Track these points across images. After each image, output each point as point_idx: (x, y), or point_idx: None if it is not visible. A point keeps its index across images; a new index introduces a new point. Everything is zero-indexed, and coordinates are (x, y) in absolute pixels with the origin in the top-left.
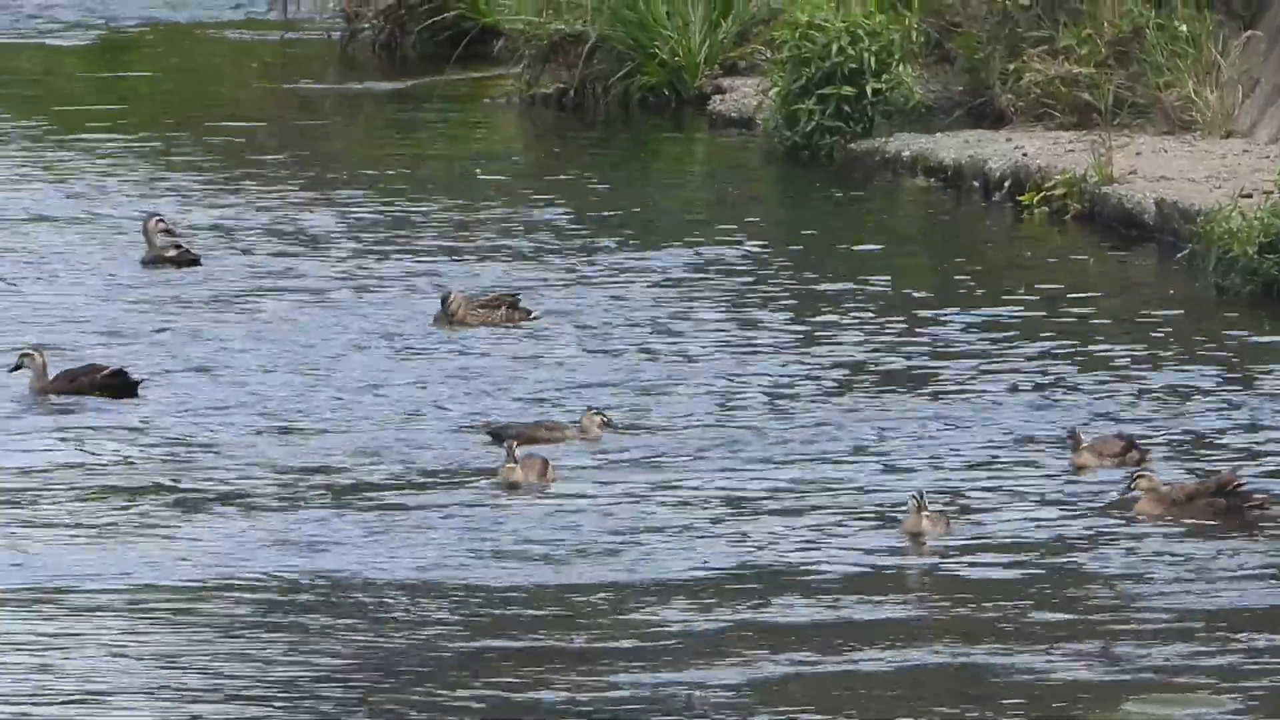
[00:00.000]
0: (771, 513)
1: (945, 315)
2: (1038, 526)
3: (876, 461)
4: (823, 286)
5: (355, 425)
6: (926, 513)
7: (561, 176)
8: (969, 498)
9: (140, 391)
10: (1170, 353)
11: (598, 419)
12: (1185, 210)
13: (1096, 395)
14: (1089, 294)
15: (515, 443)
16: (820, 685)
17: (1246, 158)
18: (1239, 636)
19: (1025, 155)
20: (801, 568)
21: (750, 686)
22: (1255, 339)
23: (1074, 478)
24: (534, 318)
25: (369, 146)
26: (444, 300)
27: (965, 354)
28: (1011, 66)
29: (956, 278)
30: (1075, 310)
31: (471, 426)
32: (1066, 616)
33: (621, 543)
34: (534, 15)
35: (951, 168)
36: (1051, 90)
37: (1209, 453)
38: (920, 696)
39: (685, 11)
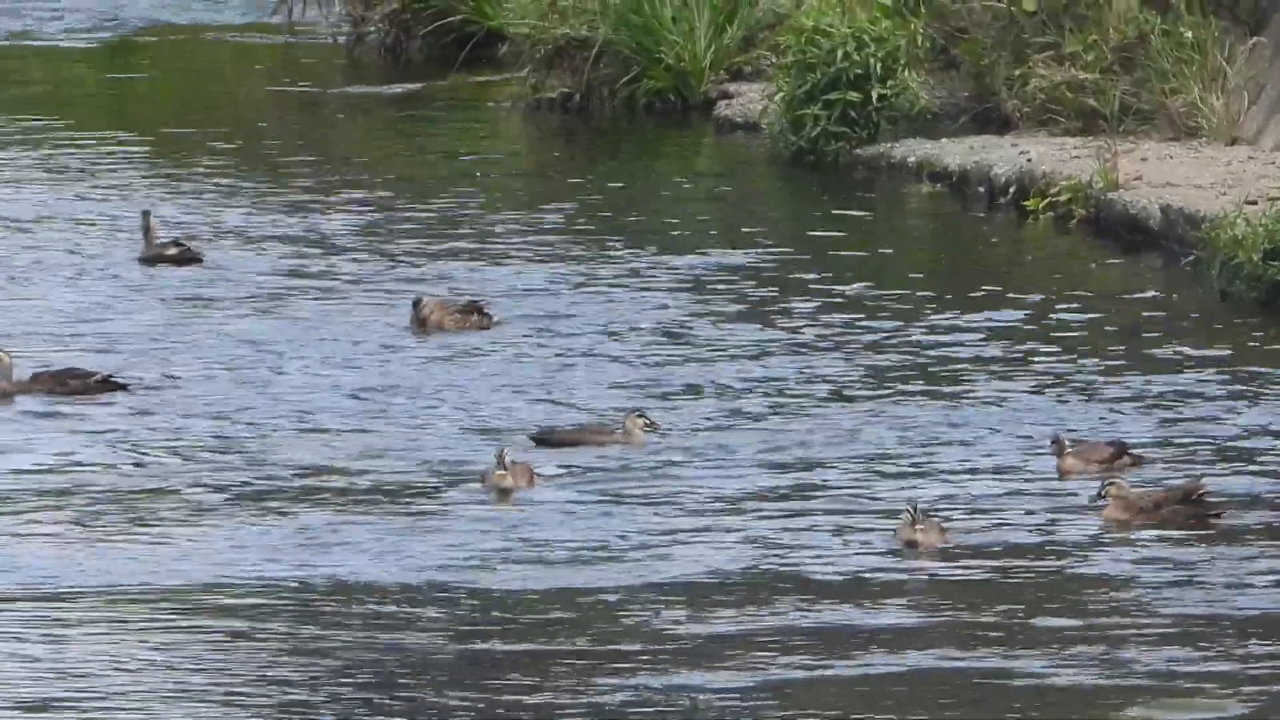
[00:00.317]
0: (776, 516)
1: (949, 320)
2: (1041, 530)
3: (882, 465)
4: (827, 291)
5: (359, 427)
6: (920, 525)
7: (567, 180)
8: (973, 501)
9: (131, 393)
10: (1175, 359)
11: (640, 421)
12: (1190, 216)
13: (1100, 401)
14: (1093, 300)
15: (505, 450)
16: (824, 689)
17: (1252, 164)
18: (1242, 641)
19: (1030, 161)
20: (806, 571)
21: (755, 690)
22: (1260, 345)
23: (1073, 483)
24: (497, 322)
25: (374, 150)
26: (415, 305)
27: (969, 359)
28: (1017, 72)
29: (961, 283)
30: (1079, 316)
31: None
32: (1069, 621)
33: (628, 545)
34: (539, 19)
35: (956, 173)
36: (1057, 96)
37: (1211, 459)
38: (924, 701)
39: (691, 16)
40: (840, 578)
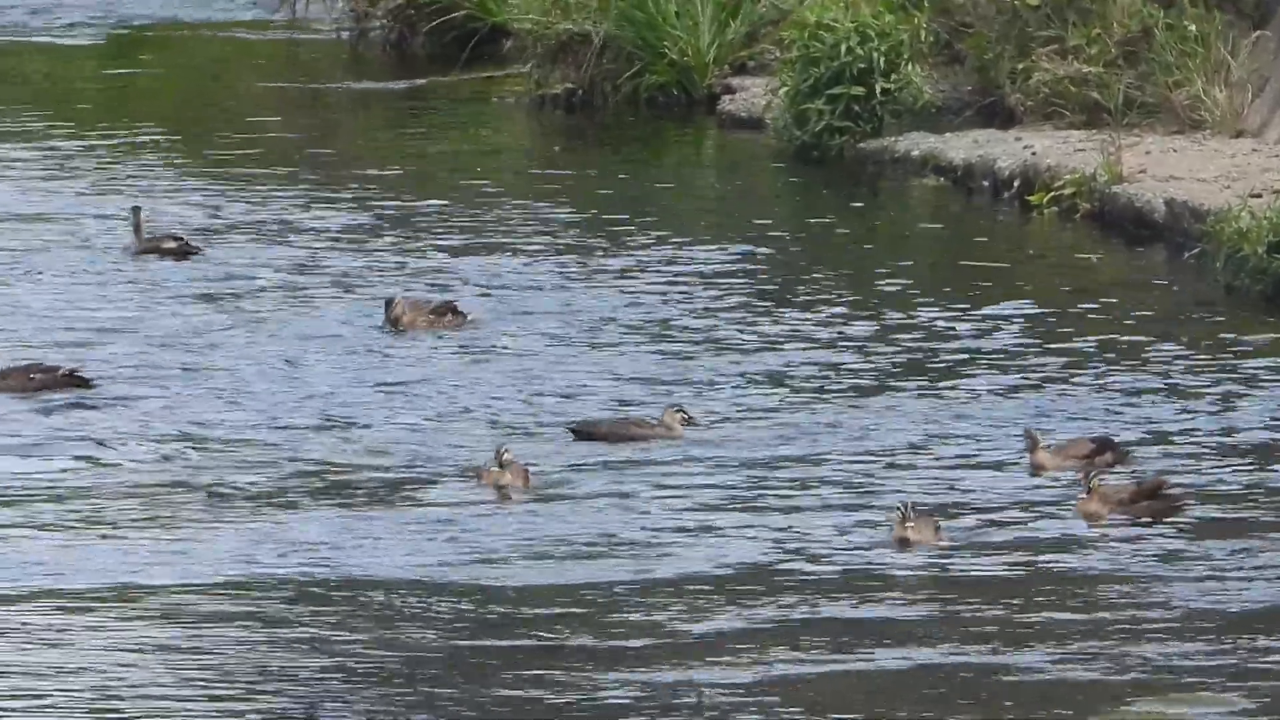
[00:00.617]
0: (781, 510)
1: (953, 314)
2: (1045, 526)
3: (886, 459)
4: (831, 286)
5: (365, 424)
6: (910, 523)
7: (570, 176)
8: (976, 495)
9: (93, 388)
10: (1179, 352)
11: (679, 415)
12: (1195, 209)
13: (1104, 394)
14: (1098, 293)
15: (504, 448)
16: (830, 684)
17: (1256, 157)
18: (1246, 636)
19: (1034, 154)
20: (811, 566)
21: (761, 685)
22: (1264, 338)
23: (1062, 477)
24: (470, 321)
25: (377, 146)
26: (387, 305)
27: (973, 352)
28: (1020, 66)
29: (965, 277)
30: (1083, 309)
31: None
32: (1073, 616)
33: (633, 541)
34: (542, 15)
35: (961, 167)
36: (1061, 90)
37: (1216, 452)
38: (929, 696)
39: (694, 11)
40: (845, 573)
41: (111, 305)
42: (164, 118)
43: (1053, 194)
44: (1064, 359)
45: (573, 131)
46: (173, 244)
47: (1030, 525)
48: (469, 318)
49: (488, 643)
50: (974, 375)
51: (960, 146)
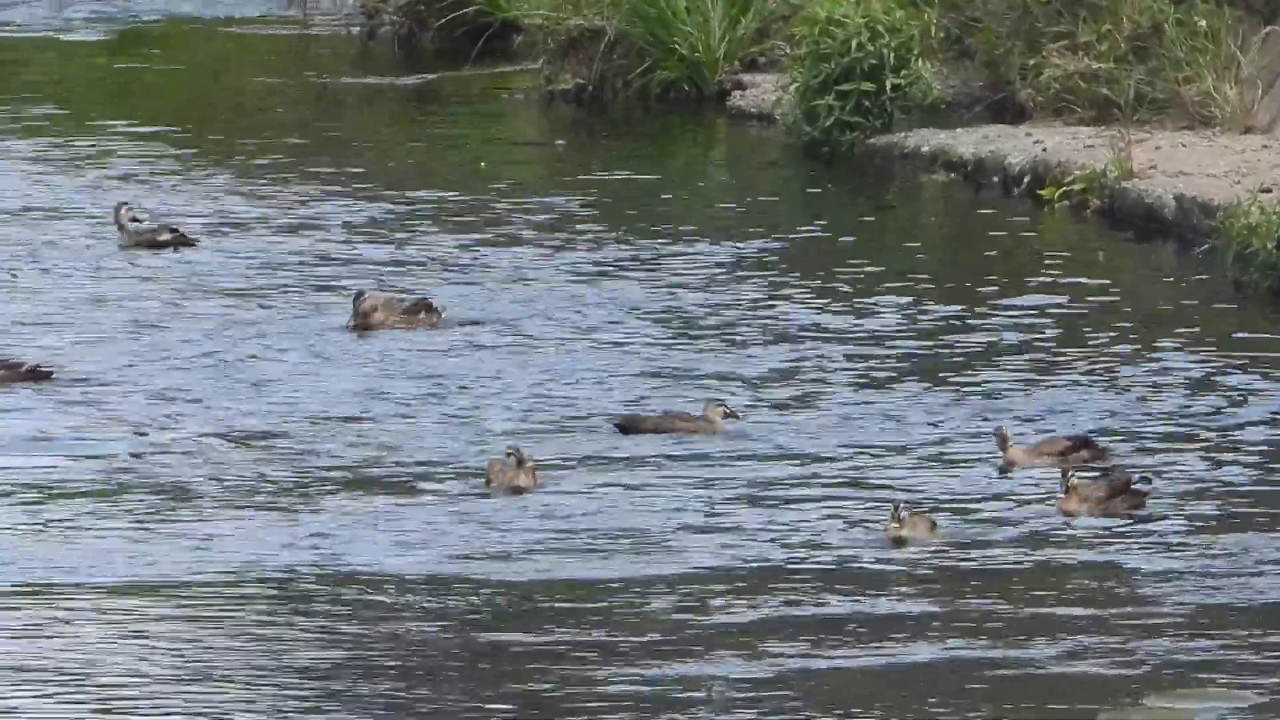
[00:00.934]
0: (788, 506)
1: (963, 309)
2: (1052, 521)
3: (894, 455)
4: (841, 281)
5: (380, 418)
6: (897, 523)
7: (580, 171)
8: (981, 490)
9: (54, 382)
10: (1187, 347)
11: (720, 410)
12: (1205, 205)
13: (1113, 390)
14: (1108, 288)
15: (519, 449)
16: (837, 679)
17: (1266, 153)
18: (1256, 631)
19: (1045, 150)
20: (819, 561)
21: (770, 680)
22: (1273, 334)
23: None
24: (443, 316)
25: (386, 141)
26: (356, 299)
27: (982, 348)
28: (1031, 62)
29: (975, 272)
30: (1093, 305)
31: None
32: (1083, 612)
33: (641, 536)
34: (553, 10)
35: (971, 163)
36: (1071, 85)
37: (1225, 447)
38: (936, 691)
39: (705, 7)
40: (852, 567)
41: (107, 298)
42: (172, 113)
43: (1063, 190)
44: (1073, 354)
45: (583, 127)
46: (167, 235)
47: (1037, 521)
48: (443, 314)
49: (497, 637)
50: (982, 370)
51: (970, 142)
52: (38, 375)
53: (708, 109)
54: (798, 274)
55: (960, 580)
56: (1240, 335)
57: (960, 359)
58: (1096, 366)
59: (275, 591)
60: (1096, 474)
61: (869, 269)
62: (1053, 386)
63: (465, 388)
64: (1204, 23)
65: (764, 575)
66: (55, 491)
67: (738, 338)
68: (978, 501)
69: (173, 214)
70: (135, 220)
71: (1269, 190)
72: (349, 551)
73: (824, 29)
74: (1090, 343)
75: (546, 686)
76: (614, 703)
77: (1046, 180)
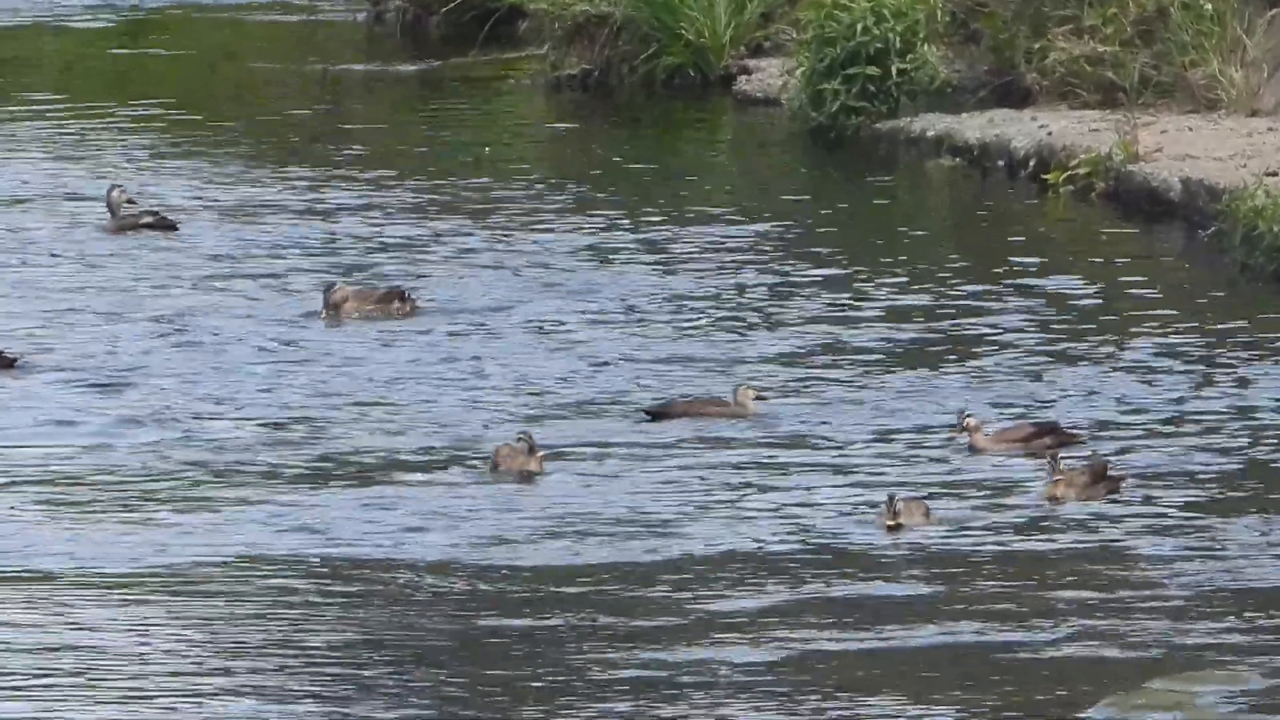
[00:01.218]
0: (797, 489)
1: (969, 293)
2: (1059, 505)
3: (900, 437)
4: (847, 266)
5: (390, 404)
6: (893, 515)
7: (586, 157)
8: (985, 474)
9: (19, 369)
10: (1193, 330)
11: (750, 393)
12: (1210, 188)
13: (1119, 372)
14: (1113, 272)
15: (530, 435)
16: (845, 662)
17: (1271, 136)
18: (1261, 613)
19: (1050, 134)
20: (826, 545)
21: (778, 664)
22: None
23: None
24: (419, 305)
25: (393, 127)
26: (327, 290)
27: (988, 331)
28: (1036, 45)
29: (981, 256)
30: (1099, 288)
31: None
32: (1084, 595)
33: (649, 522)
34: None
35: (976, 147)
36: (1076, 69)
37: (1232, 429)
38: (943, 675)
39: None
40: (858, 551)
41: (82, 284)
42: (172, 98)
43: (1068, 173)
44: (1078, 338)
45: (589, 113)
46: (150, 219)
47: (1032, 506)
48: (418, 304)
49: (502, 622)
50: (987, 354)
51: (976, 126)
52: (2, 362)
53: (713, 94)
54: (801, 260)
55: (961, 565)
56: (1246, 318)
57: (962, 343)
58: (1101, 350)
59: (279, 579)
60: (1082, 460)
61: (875, 254)
62: (1058, 370)
63: (475, 373)
64: (1209, 6)
65: (768, 559)
66: (55, 479)
67: (743, 322)
68: (972, 487)
69: (166, 198)
70: (130, 202)
71: (1275, 174)
72: (356, 537)
73: (829, 13)
74: (1095, 326)
75: (549, 671)
76: (617, 688)
77: (1052, 164)
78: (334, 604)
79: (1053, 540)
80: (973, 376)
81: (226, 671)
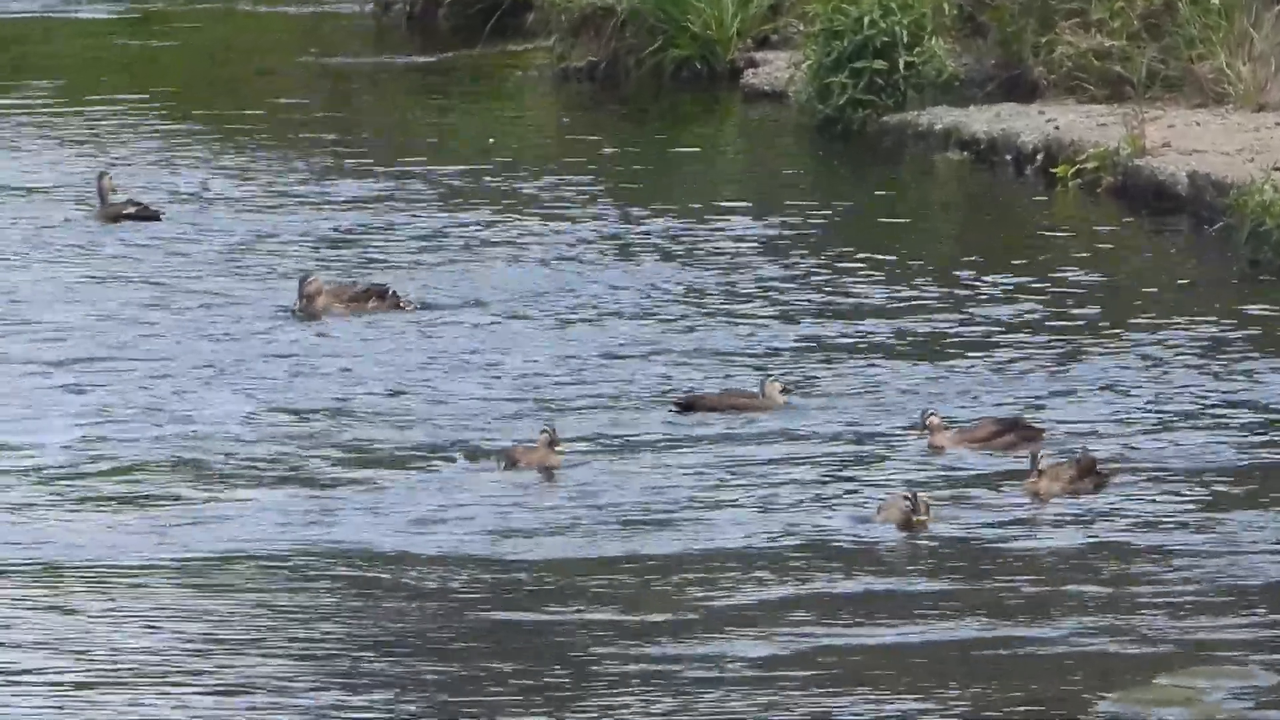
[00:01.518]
0: (804, 483)
1: (976, 287)
2: (1065, 500)
3: (906, 432)
4: (854, 259)
5: (394, 396)
6: (883, 514)
7: (594, 150)
8: (989, 469)
9: None
10: (1201, 325)
11: (778, 386)
12: (1218, 183)
13: (1127, 367)
14: (1120, 266)
15: (552, 430)
16: (853, 657)
17: (1279, 130)
18: (1269, 609)
19: (1057, 128)
20: (833, 540)
21: (786, 659)
22: None
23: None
24: (405, 305)
25: (401, 119)
26: (302, 281)
27: (995, 325)
28: (1044, 39)
29: (988, 250)
30: (1106, 283)
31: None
32: (1096, 590)
33: (657, 516)
34: None
35: (984, 141)
36: (1084, 63)
37: (1240, 424)
38: (953, 669)
39: None
40: (866, 547)
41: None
42: (176, 90)
43: (1076, 168)
44: (1085, 332)
45: (596, 105)
46: (133, 209)
47: (1036, 503)
48: (401, 303)
49: (512, 616)
50: (993, 349)
51: (983, 120)
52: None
53: (720, 87)
54: (809, 253)
55: (967, 561)
56: (1254, 312)
57: (969, 337)
58: (1108, 344)
59: (287, 571)
60: (1070, 454)
61: (881, 248)
62: (1065, 364)
63: (489, 365)
64: (1216, 0)
65: (776, 554)
66: (49, 473)
67: (750, 315)
68: (989, 478)
69: (158, 188)
70: (113, 191)
71: None
72: (359, 530)
73: (837, 6)
74: (1102, 321)
75: (559, 665)
76: (627, 681)
77: (1059, 158)
78: (345, 596)
79: (1059, 536)
80: (973, 371)
81: (234, 665)
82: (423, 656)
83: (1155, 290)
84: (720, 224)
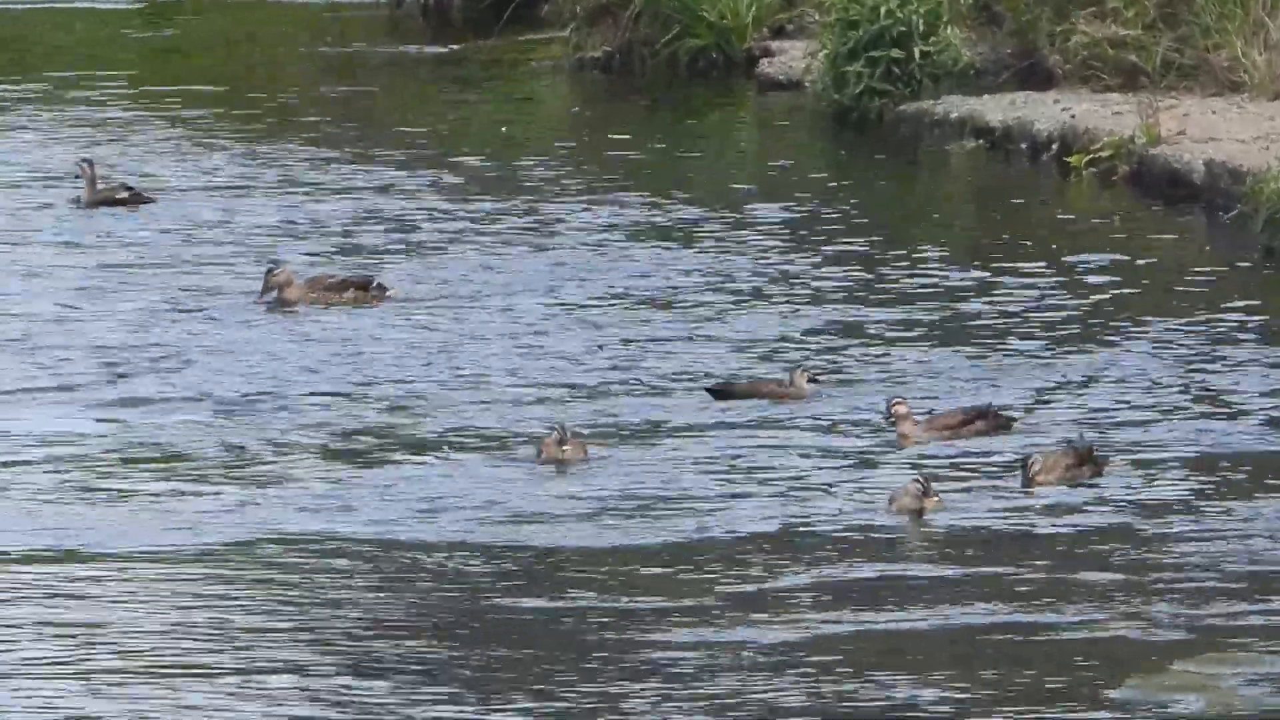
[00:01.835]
0: (814, 471)
1: (991, 275)
2: (1079, 487)
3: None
4: (870, 247)
5: (407, 386)
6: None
7: (609, 139)
8: (1008, 455)
9: None
10: (1216, 313)
11: (805, 376)
12: (1234, 171)
13: (1142, 355)
14: (1135, 255)
15: (565, 425)
16: (866, 643)
17: None
18: None
19: (1073, 117)
20: (844, 526)
21: (799, 645)
22: None
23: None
24: (388, 295)
25: (415, 110)
26: (269, 271)
27: (1010, 314)
28: (1059, 28)
29: (1003, 238)
30: (1121, 271)
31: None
32: (1111, 577)
33: (669, 504)
34: None
35: (999, 129)
36: (1099, 52)
37: (1255, 413)
38: (963, 655)
39: None
40: (877, 534)
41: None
42: (198, 81)
43: (1091, 156)
44: (1103, 320)
45: (612, 95)
46: (125, 193)
47: (1065, 486)
48: (387, 293)
49: (531, 603)
50: (1010, 337)
51: (998, 109)
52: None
53: (736, 76)
54: (824, 241)
55: (981, 548)
56: (1269, 300)
57: (985, 325)
58: (1123, 332)
59: (297, 558)
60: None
61: (897, 235)
62: (1080, 353)
63: (504, 355)
64: None
65: (787, 540)
66: (69, 463)
67: (762, 304)
68: (1009, 464)
69: (162, 175)
70: (102, 176)
71: None
72: (371, 517)
73: None
74: (1117, 308)
75: (574, 652)
76: (639, 669)
77: (1075, 147)
78: (356, 583)
79: (1072, 523)
80: (990, 359)
81: (250, 651)
82: (439, 643)
83: (1169, 279)
84: (735, 214)
